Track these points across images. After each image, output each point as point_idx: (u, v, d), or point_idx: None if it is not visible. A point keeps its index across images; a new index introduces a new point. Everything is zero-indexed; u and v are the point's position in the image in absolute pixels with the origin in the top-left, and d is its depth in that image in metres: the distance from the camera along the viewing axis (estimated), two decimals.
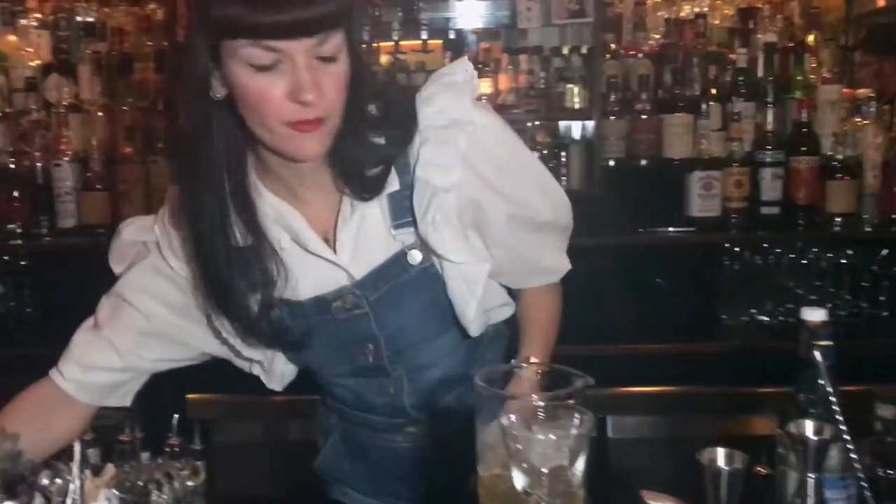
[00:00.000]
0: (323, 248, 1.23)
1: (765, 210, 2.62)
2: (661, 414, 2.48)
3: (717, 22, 2.96)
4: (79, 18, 2.98)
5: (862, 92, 2.77)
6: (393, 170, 1.20)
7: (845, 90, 2.77)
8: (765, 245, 2.65)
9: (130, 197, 2.72)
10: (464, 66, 1.23)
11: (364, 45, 1.22)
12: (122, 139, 2.76)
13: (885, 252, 2.61)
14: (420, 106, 1.20)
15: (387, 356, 1.31)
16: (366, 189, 1.19)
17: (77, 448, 0.98)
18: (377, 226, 1.23)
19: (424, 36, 3.07)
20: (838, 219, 2.60)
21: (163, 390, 2.51)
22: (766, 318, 2.63)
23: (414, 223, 1.21)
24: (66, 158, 2.72)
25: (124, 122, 2.75)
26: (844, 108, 2.70)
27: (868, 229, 2.63)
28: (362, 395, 1.38)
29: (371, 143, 1.18)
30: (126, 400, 1.39)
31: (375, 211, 1.22)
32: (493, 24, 3.06)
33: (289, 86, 1.06)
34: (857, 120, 2.66)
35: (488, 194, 1.22)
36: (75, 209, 2.72)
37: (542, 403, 0.86)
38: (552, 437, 0.80)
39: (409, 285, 1.25)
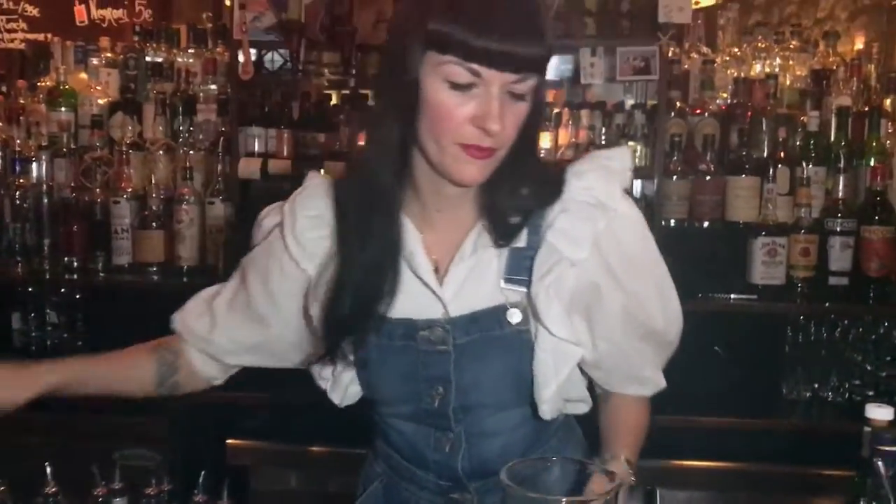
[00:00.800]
0: (431, 276, 1.24)
1: (833, 280, 2.50)
2: (713, 489, 2.37)
3: (788, 83, 2.86)
4: (148, 59, 3.05)
5: None
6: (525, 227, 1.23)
7: None
8: (832, 317, 2.53)
9: (185, 237, 2.74)
10: (622, 154, 1.27)
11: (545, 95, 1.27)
12: (180, 179, 2.78)
13: None
14: (570, 177, 1.23)
15: (453, 406, 1.27)
16: (504, 235, 1.22)
17: None
18: (490, 273, 1.24)
19: None
20: None
21: (203, 435, 2.52)
22: (829, 395, 2.49)
23: (526, 284, 1.22)
24: (125, 196, 2.75)
25: (183, 163, 2.78)
26: None
27: None
28: (416, 446, 1.34)
29: (520, 193, 1.22)
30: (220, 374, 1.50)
31: (493, 259, 1.24)
32: (556, 76, 3.03)
33: (477, 110, 1.10)
34: None
35: (610, 283, 1.23)
36: (130, 246, 2.75)
37: None
38: None
39: (499, 342, 1.24)
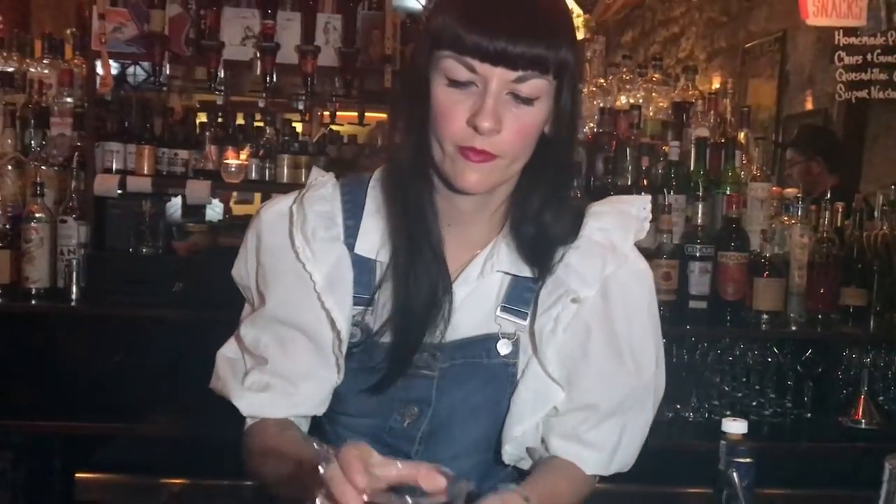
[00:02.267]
0: None
1: (692, 304, 2.58)
2: None
3: (651, 114, 2.97)
4: None
5: (790, 191, 2.79)
6: None
7: (774, 188, 2.80)
8: (692, 339, 2.61)
9: (35, 257, 2.57)
10: (643, 205, 1.25)
11: (575, 120, 1.17)
12: (30, 196, 2.61)
13: (809, 352, 2.59)
14: (587, 216, 1.21)
15: (423, 430, 1.21)
16: (537, 262, 1.18)
17: None
18: (487, 300, 1.20)
19: None
20: (765, 316, 2.57)
21: (50, 469, 2.37)
22: (690, 415, 2.56)
23: (524, 316, 1.19)
24: None
25: (34, 179, 2.61)
26: (773, 206, 2.71)
27: (794, 328, 2.61)
28: None
29: (546, 222, 1.18)
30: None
31: (495, 285, 1.20)
32: None
33: (472, 109, 1.07)
34: (785, 219, 2.67)
35: (602, 329, 1.19)
36: None
37: None
38: None
39: (484, 371, 1.20)
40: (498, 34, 1.03)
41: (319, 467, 0.81)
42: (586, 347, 1.19)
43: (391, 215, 1.19)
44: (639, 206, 1.24)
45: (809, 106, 4.84)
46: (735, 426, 1.06)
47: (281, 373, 1.18)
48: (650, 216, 1.25)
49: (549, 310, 1.17)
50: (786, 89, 5.10)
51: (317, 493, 0.82)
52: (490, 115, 1.05)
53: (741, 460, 0.99)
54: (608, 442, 1.20)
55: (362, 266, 1.20)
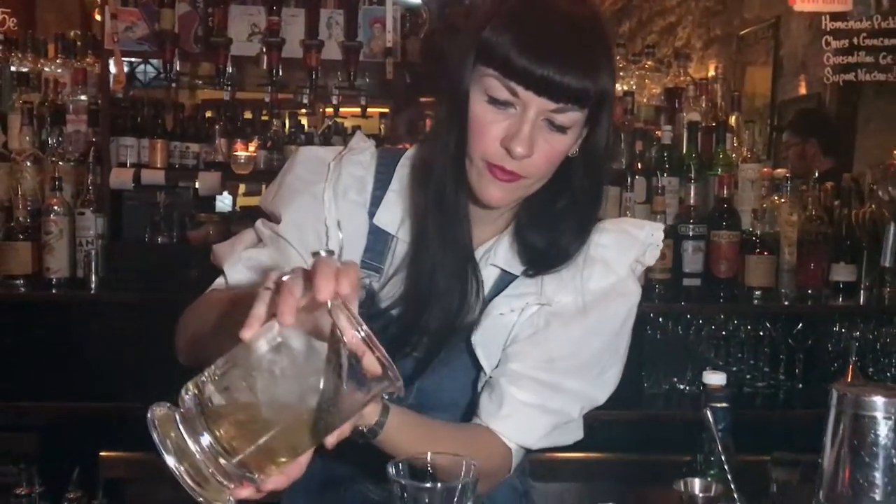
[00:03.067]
0: None
1: (686, 282, 2.68)
2: (584, 481, 2.49)
3: (644, 100, 3.07)
4: (13, 69, 2.97)
5: (779, 171, 2.88)
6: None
7: (765, 169, 2.89)
8: (687, 316, 2.70)
9: (55, 248, 2.68)
10: (652, 230, 1.26)
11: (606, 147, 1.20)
12: (48, 190, 2.72)
13: (800, 326, 2.68)
14: (594, 231, 1.23)
15: (409, 403, 1.20)
16: (534, 268, 1.22)
17: None
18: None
19: None
20: (757, 292, 2.66)
21: (75, 448, 2.46)
22: (686, 388, 2.67)
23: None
24: None
25: (52, 174, 2.72)
26: (764, 187, 2.81)
27: (785, 303, 2.71)
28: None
29: (558, 239, 1.21)
30: None
31: (488, 279, 1.24)
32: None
33: (508, 130, 1.09)
34: (775, 198, 2.76)
35: (562, 329, 1.21)
36: None
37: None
38: None
39: (464, 354, 1.24)
40: (547, 64, 1.05)
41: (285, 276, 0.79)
42: (539, 334, 1.21)
43: (418, 204, 1.21)
44: (647, 232, 1.25)
45: (803, 91, 4.92)
46: (715, 377, 1.15)
47: (278, 266, 1.16)
48: (661, 244, 1.26)
49: (513, 300, 1.22)
50: (780, 75, 5.17)
51: (275, 279, 0.80)
52: (525, 141, 1.08)
53: (717, 405, 1.09)
54: (515, 406, 1.19)
55: (378, 236, 1.25)
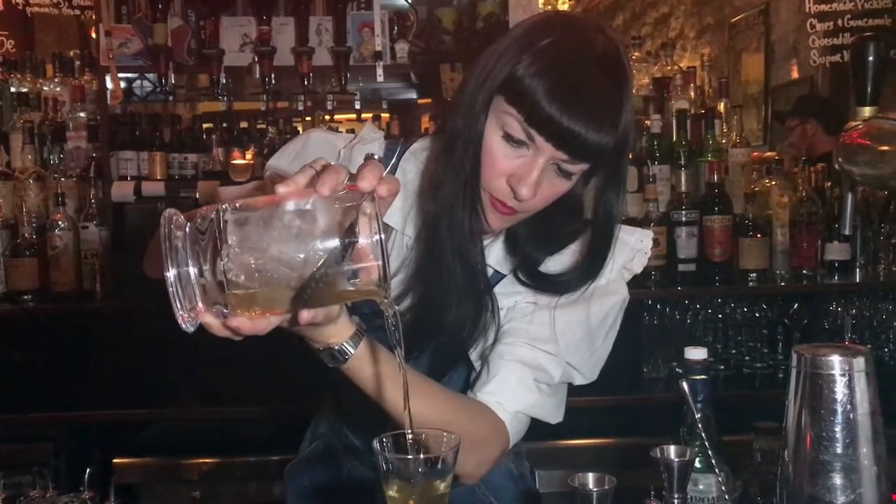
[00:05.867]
0: None
1: (681, 267, 2.72)
2: (590, 466, 2.52)
3: (633, 91, 3.10)
4: (13, 89, 3.03)
5: (769, 154, 2.92)
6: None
7: (754, 153, 2.93)
8: (683, 301, 2.74)
9: (60, 263, 2.73)
10: (642, 237, 1.29)
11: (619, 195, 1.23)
12: (52, 206, 2.78)
13: (796, 305, 2.72)
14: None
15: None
16: (524, 273, 1.25)
17: None
18: None
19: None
20: (752, 274, 2.70)
21: (88, 456, 2.52)
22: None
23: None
24: None
25: (55, 190, 2.78)
26: (755, 170, 2.84)
27: (781, 284, 2.74)
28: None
29: (545, 248, 1.25)
30: None
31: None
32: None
33: (516, 169, 1.10)
34: (766, 181, 2.80)
35: (547, 316, 1.23)
36: (3, 275, 2.72)
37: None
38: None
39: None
40: (575, 121, 1.05)
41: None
42: (526, 317, 1.25)
43: (427, 212, 1.22)
44: (637, 238, 1.28)
45: (796, 75, 4.95)
46: (695, 353, 1.19)
47: None
48: (649, 252, 1.29)
49: (503, 298, 1.25)
50: (772, 60, 5.21)
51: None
52: (532, 186, 1.09)
53: (695, 377, 1.13)
54: (497, 368, 1.22)
55: None
